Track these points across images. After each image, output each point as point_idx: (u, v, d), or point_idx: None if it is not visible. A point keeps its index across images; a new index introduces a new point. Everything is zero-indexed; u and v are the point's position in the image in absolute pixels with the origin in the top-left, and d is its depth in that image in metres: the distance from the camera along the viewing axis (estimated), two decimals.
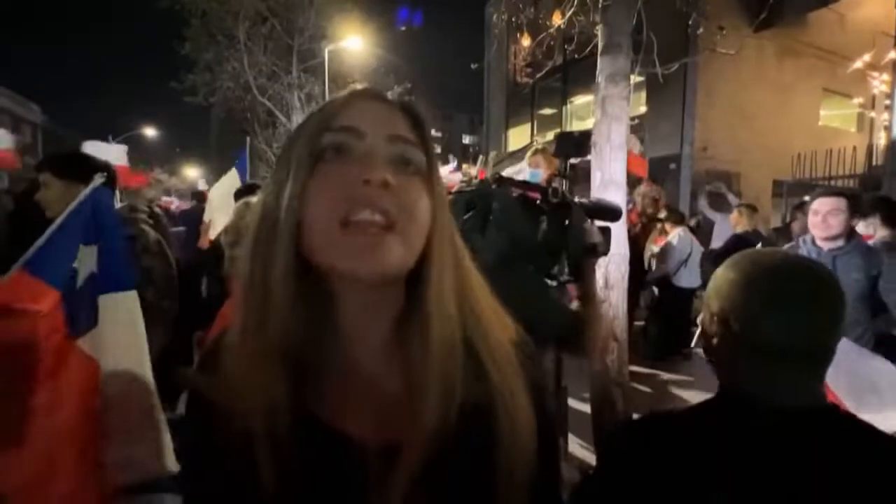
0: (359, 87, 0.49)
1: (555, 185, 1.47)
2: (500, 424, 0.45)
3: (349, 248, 0.41)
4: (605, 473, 0.77)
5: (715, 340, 0.75)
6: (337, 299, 0.45)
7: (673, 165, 9.42)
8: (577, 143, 1.83)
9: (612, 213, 1.89)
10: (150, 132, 25.78)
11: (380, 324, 0.47)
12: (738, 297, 0.71)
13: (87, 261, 1.29)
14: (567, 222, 1.41)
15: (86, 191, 1.32)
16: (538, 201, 1.44)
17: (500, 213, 1.26)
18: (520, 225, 1.29)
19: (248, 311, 0.44)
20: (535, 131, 14.01)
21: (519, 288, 1.30)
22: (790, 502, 0.63)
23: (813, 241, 2.29)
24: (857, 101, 10.46)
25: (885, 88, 7.82)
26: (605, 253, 1.69)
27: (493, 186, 1.40)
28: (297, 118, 13.95)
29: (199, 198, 6.52)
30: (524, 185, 1.50)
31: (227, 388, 0.43)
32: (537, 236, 1.35)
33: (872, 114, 9.65)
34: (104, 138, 4.02)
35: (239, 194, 2.85)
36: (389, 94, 0.49)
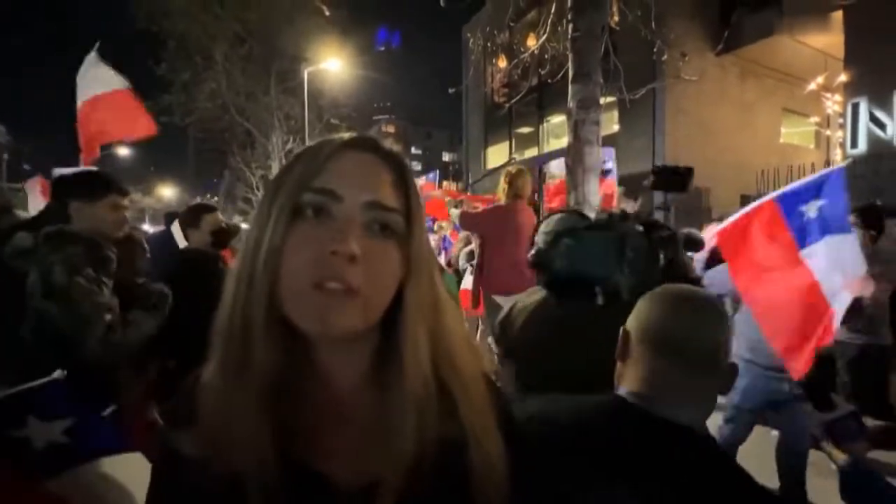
0: (346, 136, 0.48)
1: (659, 218, 1.44)
2: (473, 459, 0.47)
3: (312, 310, 0.42)
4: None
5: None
6: (312, 345, 0.46)
7: (646, 182, 9.70)
8: (681, 180, 1.73)
9: (699, 245, 1.90)
10: (122, 151, 25.16)
11: (355, 366, 0.48)
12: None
13: None
14: (672, 257, 1.41)
15: None
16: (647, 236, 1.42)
17: (636, 255, 1.26)
18: (650, 265, 1.31)
19: (228, 360, 0.45)
20: (513, 149, 14.30)
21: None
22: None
23: None
24: (814, 119, 11.08)
25: (837, 108, 8.32)
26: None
27: (617, 223, 1.36)
28: (276, 138, 13.88)
29: (173, 220, 5.69)
30: (640, 220, 1.48)
31: (206, 439, 0.43)
32: (659, 274, 1.35)
33: (828, 132, 10.21)
34: (74, 157, 3.90)
35: (189, 212, 2.48)
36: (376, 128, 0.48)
